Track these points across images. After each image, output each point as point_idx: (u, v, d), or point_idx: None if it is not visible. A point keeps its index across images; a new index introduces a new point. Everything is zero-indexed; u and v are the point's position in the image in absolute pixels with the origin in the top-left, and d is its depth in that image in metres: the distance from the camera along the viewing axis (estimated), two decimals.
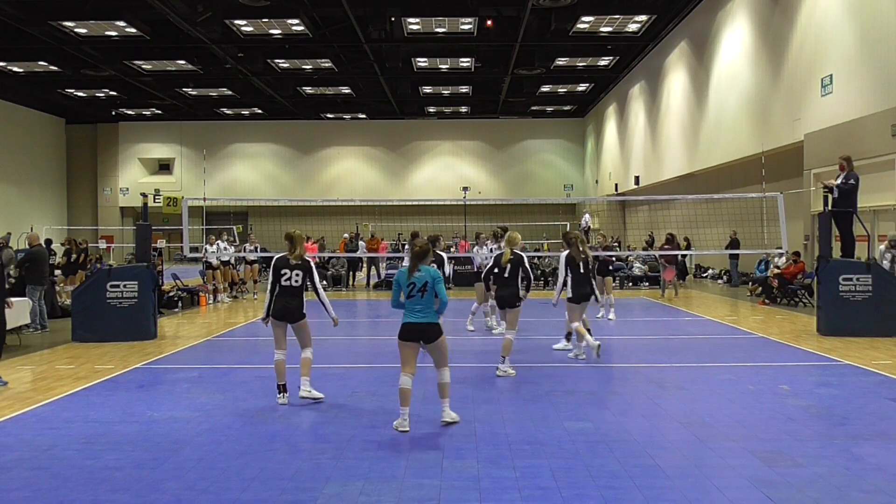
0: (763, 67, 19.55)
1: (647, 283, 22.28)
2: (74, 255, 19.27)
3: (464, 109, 42.63)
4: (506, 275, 9.00)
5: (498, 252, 10.92)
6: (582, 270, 9.58)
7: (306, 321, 7.61)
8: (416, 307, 6.50)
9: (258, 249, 21.39)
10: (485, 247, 15.05)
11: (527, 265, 9.12)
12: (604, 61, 31.21)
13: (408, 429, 6.42)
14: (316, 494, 4.97)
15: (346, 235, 27.59)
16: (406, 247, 15.50)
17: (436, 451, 5.90)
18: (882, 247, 13.23)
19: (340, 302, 19.20)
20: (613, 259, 17.68)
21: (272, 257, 7.90)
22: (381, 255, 22.75)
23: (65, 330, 12.58)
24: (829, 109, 16.21)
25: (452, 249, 25.12)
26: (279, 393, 7.52)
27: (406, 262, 10.73)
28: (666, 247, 19.55)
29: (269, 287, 7.65)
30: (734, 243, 20.41)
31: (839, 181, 12.26)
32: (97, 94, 37.00)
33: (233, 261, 19.75)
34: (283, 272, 7.51)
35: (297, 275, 7.50)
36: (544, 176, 44.28)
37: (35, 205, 39.61)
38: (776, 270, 17.10)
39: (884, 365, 9.26)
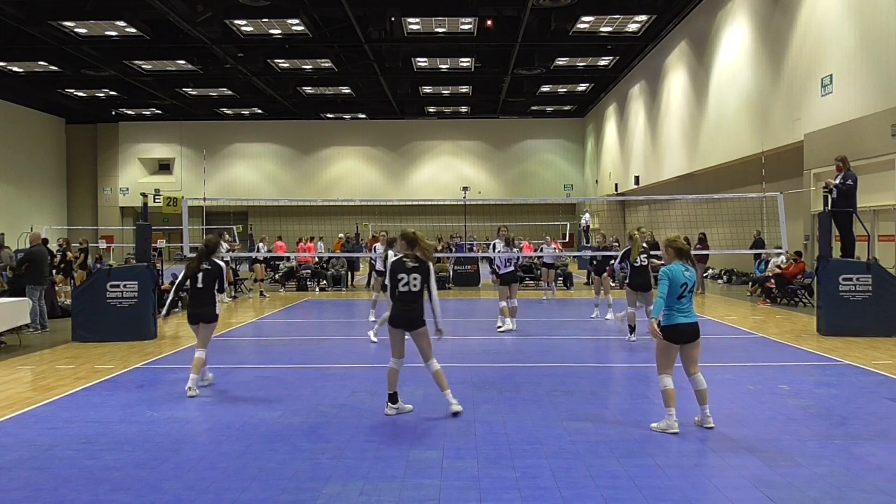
0: (763, 67, 19.54)
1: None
2: (70, 255, 19.23)
3: (464, 109, 42.62)
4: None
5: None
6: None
7: (426, 328, 6.97)
8: (685, 308, 6.49)
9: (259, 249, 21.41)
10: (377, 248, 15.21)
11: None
12: (604, 61, 31.21)
13: (677, 430, 6.24)
14: (316, 494, 4.97)
15: (340, 235, 27.59)
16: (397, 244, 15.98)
17: (436, 451, 5.89)
18: None
19: (341, 302, 19.20)
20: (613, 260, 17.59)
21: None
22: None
23: (65, 330, 12.58)
24: (829, 109, 16.21)
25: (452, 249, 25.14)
26: (390, 402, 7.01)
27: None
28: (698, 247, 19.43)
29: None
30: (759, 243, 20.04)
31: (837, 181, 12.29)
32: (97, 94, 37.00)
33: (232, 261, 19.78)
34: (399, 276, 6.89)
35: (414, 279, 6.88)
36: (544, 176, 44.29)
37: (35, 205, 39.59)
38: (777, 270, 17.07)
39: (884, 365, 9.26)
